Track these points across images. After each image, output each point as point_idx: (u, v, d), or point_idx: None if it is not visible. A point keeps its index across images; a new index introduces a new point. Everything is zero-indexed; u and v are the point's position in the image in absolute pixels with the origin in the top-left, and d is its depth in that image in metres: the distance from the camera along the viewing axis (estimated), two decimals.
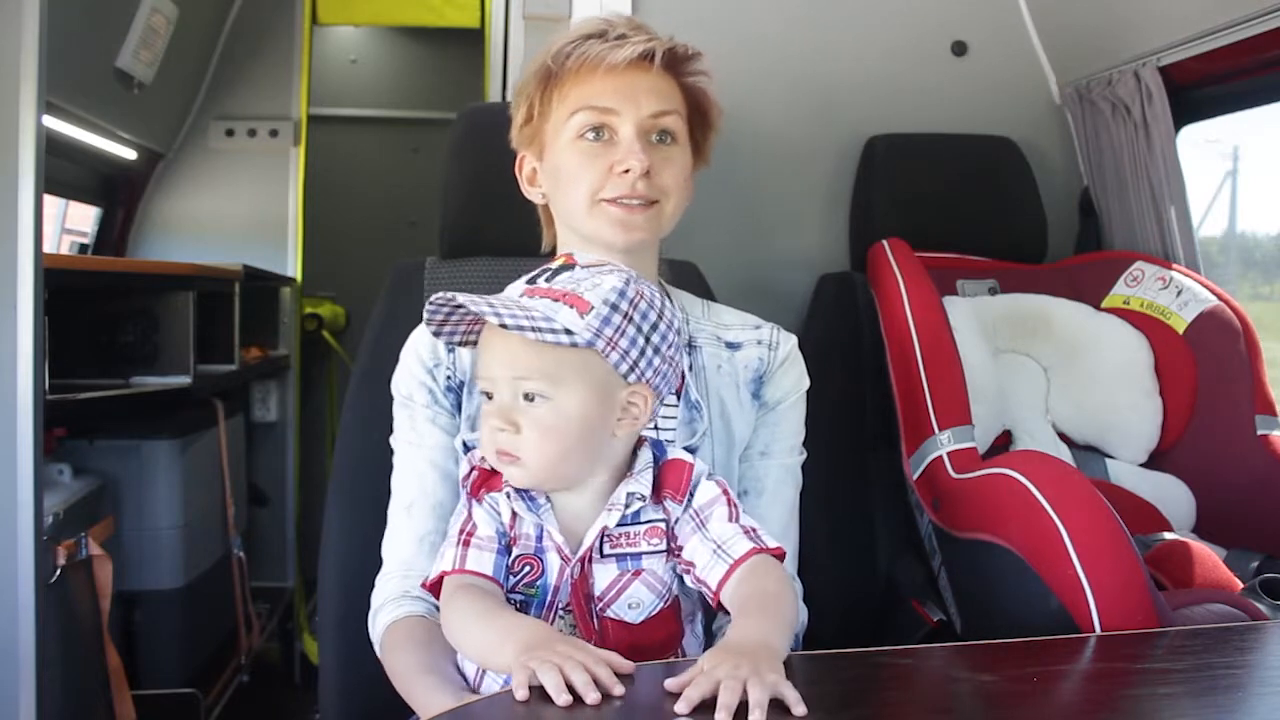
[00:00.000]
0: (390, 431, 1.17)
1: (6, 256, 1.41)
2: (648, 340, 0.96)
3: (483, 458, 1.00)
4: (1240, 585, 1.39)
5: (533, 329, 0.91)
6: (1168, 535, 1.52)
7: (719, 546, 0.95)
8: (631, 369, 0.95)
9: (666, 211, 1.13)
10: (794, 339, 1.23)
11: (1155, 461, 1.74)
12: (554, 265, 0.98)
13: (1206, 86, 1.79)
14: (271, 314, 3.08)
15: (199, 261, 2.53)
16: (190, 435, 2.29)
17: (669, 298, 1.23)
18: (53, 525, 1.64)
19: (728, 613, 0.95)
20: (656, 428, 1.14)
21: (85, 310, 2.14)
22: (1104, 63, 1.89)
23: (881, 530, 1.73)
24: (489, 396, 0.97)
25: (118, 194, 2.98)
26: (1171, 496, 1.68)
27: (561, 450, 0.95)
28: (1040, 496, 1.21)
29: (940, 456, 1.49)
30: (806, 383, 1.22)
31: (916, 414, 1.54)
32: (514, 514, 0.97)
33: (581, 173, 1.11)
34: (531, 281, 0.97)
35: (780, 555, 0.97)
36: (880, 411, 1.67)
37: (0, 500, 1.43)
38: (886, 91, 2.01)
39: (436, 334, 1.00)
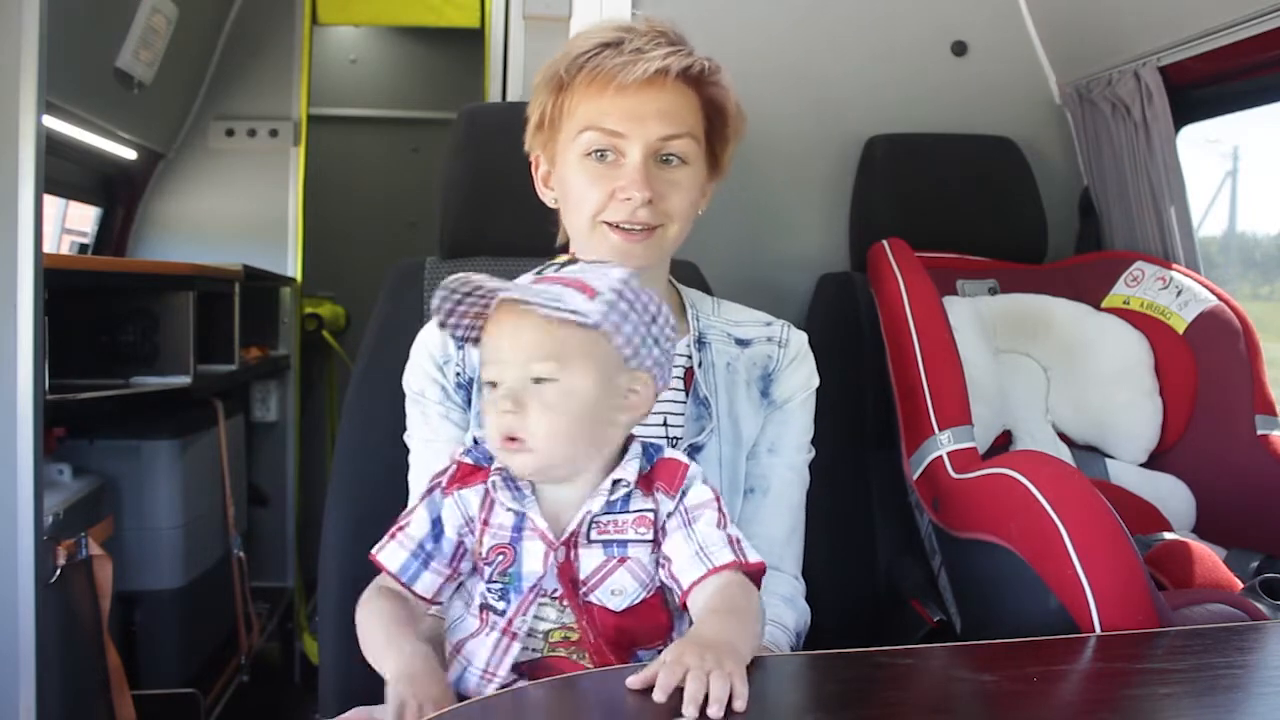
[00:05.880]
0: (390, 431, 1.17)
1: (6, 256, 1.42)
2: (648, 329, 0.96)
3: (465, 452, 1.00)
4: (1240, 585, 1.38)
5: (544, 306, 0.91)
6: (1168, 535, 1.52)
7: (701, 549, 0.94)
8: (634, 354, 0.95)
9: (669, 235, 1.13)
10: (804, 336, 1.22)
11: (1155, 461, 1.74)
12: (559, 260, 0.98)
13: (1206, 86, 1.79)
14: (271, 314, 3.08)
15: (199, 261, 2.53)
16: (190, 435, 2.29)
17: (679, 295, 1.24)
18: (53, 525, 1.64)
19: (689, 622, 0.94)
20: (666, 424, 1.14)
21: (85, 310, 2.14)
22: (1104, 63, 1.89)
23: (881, 530, 1.73)
24: (494, 385, 0.96)
25: (118, 194, 2.98)
26: (1171, 496, 1.67)
27: (568, 432, 0.94)
28: (1040, 496, 1.21)
29: (940, 456, 1.49)
30: (816, 381, 1.22)
31: (916, 414, 1.54)
32: (490, 504, 0.97)
33: (585, 193, 1.11)
34: (539, 273, 0.98)
35: (760, 569, 0.96)
36: (880, 411, 1.67)
37: (0, 500, 1.43)
38: (886, 91, 2.01)
39: (443, 325, 0.98)
